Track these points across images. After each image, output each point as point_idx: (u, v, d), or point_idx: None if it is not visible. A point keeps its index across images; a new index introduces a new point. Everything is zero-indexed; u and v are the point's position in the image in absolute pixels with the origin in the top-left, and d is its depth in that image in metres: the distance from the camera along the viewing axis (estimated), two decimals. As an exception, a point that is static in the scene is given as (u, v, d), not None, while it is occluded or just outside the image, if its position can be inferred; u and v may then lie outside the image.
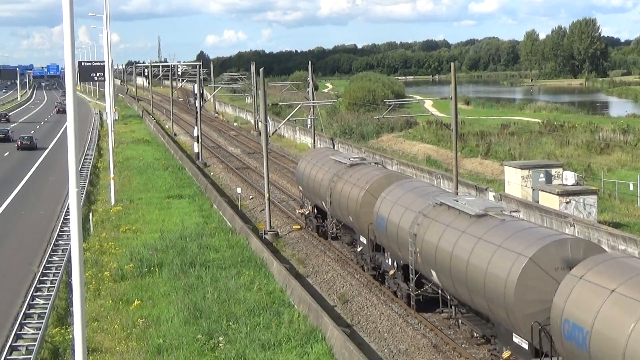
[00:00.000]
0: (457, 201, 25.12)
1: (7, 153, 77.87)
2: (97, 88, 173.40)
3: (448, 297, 25.44)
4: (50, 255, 33.43)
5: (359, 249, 33.16)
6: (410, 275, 26.83)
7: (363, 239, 32.40)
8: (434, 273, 24.95)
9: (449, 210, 25.01)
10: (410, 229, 26.27)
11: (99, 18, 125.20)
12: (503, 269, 20.69)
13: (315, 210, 39.76)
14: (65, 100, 15.44)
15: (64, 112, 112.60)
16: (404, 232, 26.86)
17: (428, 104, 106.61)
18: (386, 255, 29.94)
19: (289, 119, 59.01)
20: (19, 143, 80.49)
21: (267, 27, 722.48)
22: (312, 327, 24.36)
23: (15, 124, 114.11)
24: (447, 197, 26.59)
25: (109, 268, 31.50)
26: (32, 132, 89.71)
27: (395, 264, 28.90)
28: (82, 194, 47.91)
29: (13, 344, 23.37)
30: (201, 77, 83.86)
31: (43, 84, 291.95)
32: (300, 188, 42.06)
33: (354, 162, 35.89)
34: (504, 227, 22.37)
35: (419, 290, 26.81)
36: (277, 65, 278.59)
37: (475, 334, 24.41)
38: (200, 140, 70.62)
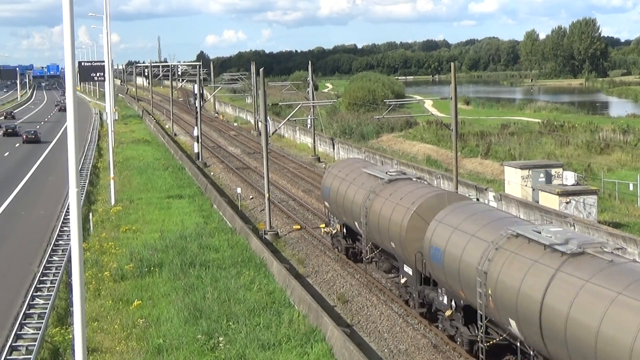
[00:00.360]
0: (540, 232, 20.27)
1: (7, 153, 77.95)
2: (97, 88, 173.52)
3: (531, 352, 20.51)
4: (50, 255, 33.44)
5: (402, 281, 28.20)
6: (479, 322, 21.95)
7: (408, 269, 27.59)
8: (513, 323, 20.18)
9: (531, 244, 20.12)
10: (478, 265, 21.42)
11: (99, 18, 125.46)
12: (627, 331, 15.92)
13: (345, 230, 34.86)
14: (65, 99, 15.50)
15: (65, 110, 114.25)
16: (469, 268, 22.10)
17: (428, 104, 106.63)
18: (440, 291, 25.24)
19: (289, 119, 59.05)
20: (25, 137, 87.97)
21: (267, 27, 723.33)
22: (312, 327, 24.37)
23: (17, 122, 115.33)
24: (523, 226, 21.65)
25: (109, 268, 31.51)
26: (37, 128, 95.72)
27: (453, 303, 24.34)
28: (82, 194, 47.93)
29: (13, 344, 23.38)
30: (201, 77, 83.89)
31: (43, 84, 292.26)
32: (327, 204, 36.68)
33: (393, 176, 30.90)
34: (617, 270, 17.51)
35: (490, 342, 22.09)
36: (277, 65, 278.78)
37: None
38: (200, 140, 70.62)
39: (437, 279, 25.13)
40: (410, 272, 27.31)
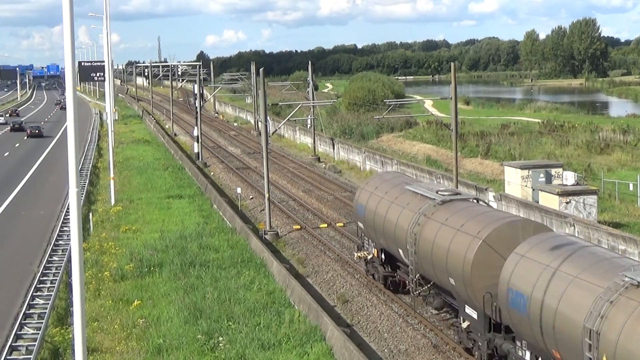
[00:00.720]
0: None
1: (7, 153, 78.01)
2: (97, 88, 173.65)
3: None
4: (50, 255, 33.45)
5: (463, 325, 23.68)
6: None
7: (471, 312, 23.07)
8: None
9: None
10: (585, 321, 16.88)
11: (99, 18, 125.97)
12: None
13: (383, 256, 30.24)
14: (65, 98, 15.59)
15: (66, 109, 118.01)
16: (570, 325, 17.54)
17: (428, 104, 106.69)
18: (519, 344, 20.70)
19: (289, 119, 59.07)
20: (29, 131, 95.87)
21: (267, 27, 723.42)
22: (312, 327, 24.37)
23: (23, 119, 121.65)
24: None
25: (109, 268, 31.52)
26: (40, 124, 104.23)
27: None
28: (82, 194, 47.94)
29: (13, 344, 23.39)
30: (201, 77, 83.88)
31: (43, 84, 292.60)
32: (361, 225, 31.93)
33: (446, 196, 26.20)
34: None
35: None
36: (277, 65, 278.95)
37: None
38: (200, 140, 70.63)
39: (516, 330, 20.50)
40: (475, 316, 22.79)
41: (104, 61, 67.29)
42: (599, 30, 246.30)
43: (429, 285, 26.01)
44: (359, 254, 32.41)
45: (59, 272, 30.69)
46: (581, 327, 16.93)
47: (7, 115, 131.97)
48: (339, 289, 31.11)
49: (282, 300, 27.37)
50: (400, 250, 27.25)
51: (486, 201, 29.60)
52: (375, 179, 32.85)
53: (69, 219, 38.06)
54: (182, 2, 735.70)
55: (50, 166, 66.93)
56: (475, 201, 26.57)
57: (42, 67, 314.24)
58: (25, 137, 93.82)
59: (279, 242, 38.85)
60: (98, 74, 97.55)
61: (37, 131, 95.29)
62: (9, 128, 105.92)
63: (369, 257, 31.44)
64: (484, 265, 21.76)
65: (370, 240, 31.30)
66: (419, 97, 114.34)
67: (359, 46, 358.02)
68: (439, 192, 26.72)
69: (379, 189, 30.48)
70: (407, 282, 27.96)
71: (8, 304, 28.67)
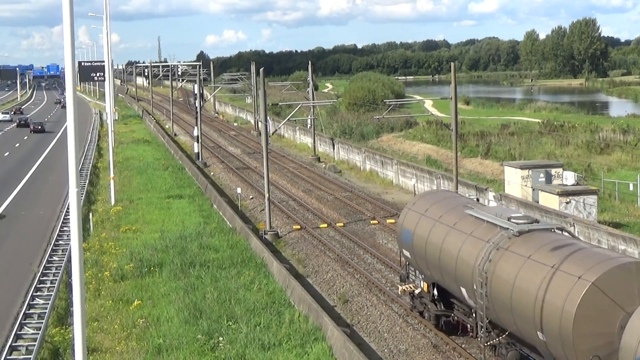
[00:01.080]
0: None
1: (7, 153, 78.04)
2: (97, 88, 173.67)
3: None
4: (50, 255, 33.46)
5: None
6: None
7: None
8: None
9: None
10: None
11: (99, 18, 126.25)
12: None
13: (435, 291, 25.43)
14: (65, 97, 15.70)
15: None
16: None
17: (428, 104, 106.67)
18: None
19: (289, 119, 59.11)
20: (32, 127, 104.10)
21: (267, 27, 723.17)
22: (312, 327, 24.38)
23: (28, 116, 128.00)
24: None
25: (109, 268, 31.53)
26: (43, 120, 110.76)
27: None
28: (82, 194, 47.94)
29: (13, 344, 23.40)
30: (201, 77, 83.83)
31: (43, 84, 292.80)
32: (406, 253, 27.02)
33: (524, 225, 21.03)
34: None
35: None
36: (277, 65, 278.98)
37: None
38: (200, 140, 70.62)
39: None
40: None
41: (104, 61, 67.28)
42: (599, 30, 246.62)
43: (502, 336, 21.26)
44: (403, 287, 27.64)
45: (59, 272, 30.70)
46: None
47: (12, 113, 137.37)
48: (339, 289, 31.11)
49: (282, 300, 27.37)
50: (464, 290, 22.56)
51: (572, 232, 23.50)
52: (424, 200, 27.23)
53: (69, 219, 38.06)
54: (182, 2, 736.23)
55: (50, 166, 66.92)
56: (559, 231, 21.38)
57: (42, 67, 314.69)
58: (26, 137, 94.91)
59: (279, 242, 38.85)
60: (98, 74, 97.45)
61: (39, 127, 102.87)
62: (15, 124, 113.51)
63: (417, 291, 26.74)
64: (593, 319, 17.04)
65: (417, 272, 26.69)
66: (419, 97, 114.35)
67: (359, 46, 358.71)
68: (513, 220, 21.45)
69: (430, 211, 25.50)
70: (467, 325, 23.88)
71: (8, 304, 28.67)
